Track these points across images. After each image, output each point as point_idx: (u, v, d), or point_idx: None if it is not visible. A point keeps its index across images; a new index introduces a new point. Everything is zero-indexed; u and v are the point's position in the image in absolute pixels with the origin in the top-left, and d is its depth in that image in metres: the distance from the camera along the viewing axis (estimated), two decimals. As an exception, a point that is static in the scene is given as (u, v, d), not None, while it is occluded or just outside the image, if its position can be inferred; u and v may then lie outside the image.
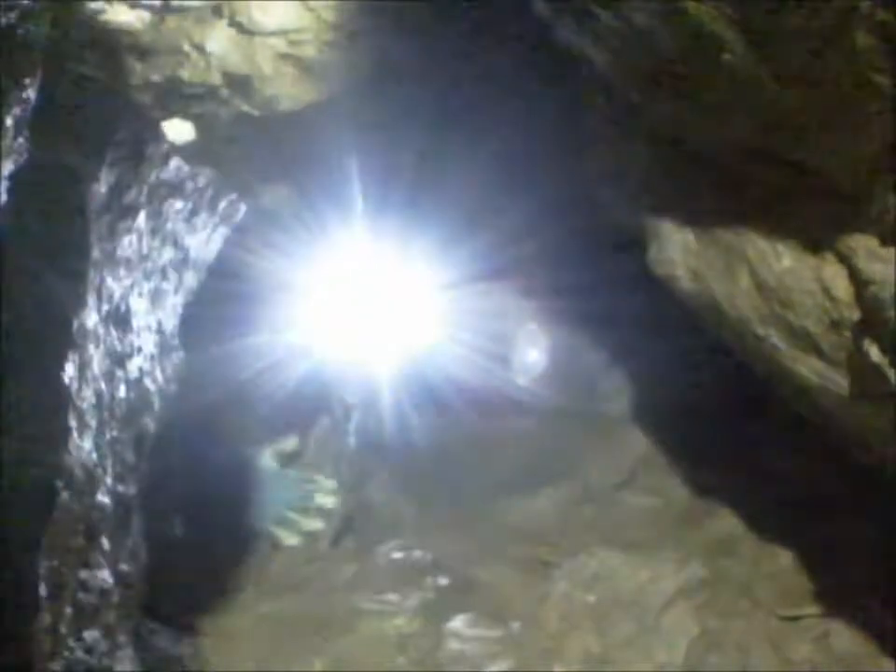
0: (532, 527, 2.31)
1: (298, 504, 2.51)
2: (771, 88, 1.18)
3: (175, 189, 2.00)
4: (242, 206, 2.67)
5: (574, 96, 1.94)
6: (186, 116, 2.59)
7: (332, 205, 2.66)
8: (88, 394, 1.51)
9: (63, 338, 1.43)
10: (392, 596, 2.08)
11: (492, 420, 3.08)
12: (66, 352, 1.42)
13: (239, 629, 2.05)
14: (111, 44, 2.16)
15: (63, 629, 1.39)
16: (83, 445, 1.49)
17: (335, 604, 2.10)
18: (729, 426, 2.21)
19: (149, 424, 1.87)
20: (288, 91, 2.94)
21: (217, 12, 2.74)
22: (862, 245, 1.29)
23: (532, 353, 2.98)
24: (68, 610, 1.41)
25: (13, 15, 1.17)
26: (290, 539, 2.44)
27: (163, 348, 2.00)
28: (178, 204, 1.97)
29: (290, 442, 2.63)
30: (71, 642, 1.43)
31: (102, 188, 1.51)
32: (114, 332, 1.68)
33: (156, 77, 3.03)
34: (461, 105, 2.29)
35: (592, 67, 1.51)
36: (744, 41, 1.14)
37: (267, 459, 2.59)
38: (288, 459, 2.63)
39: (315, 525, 2.48)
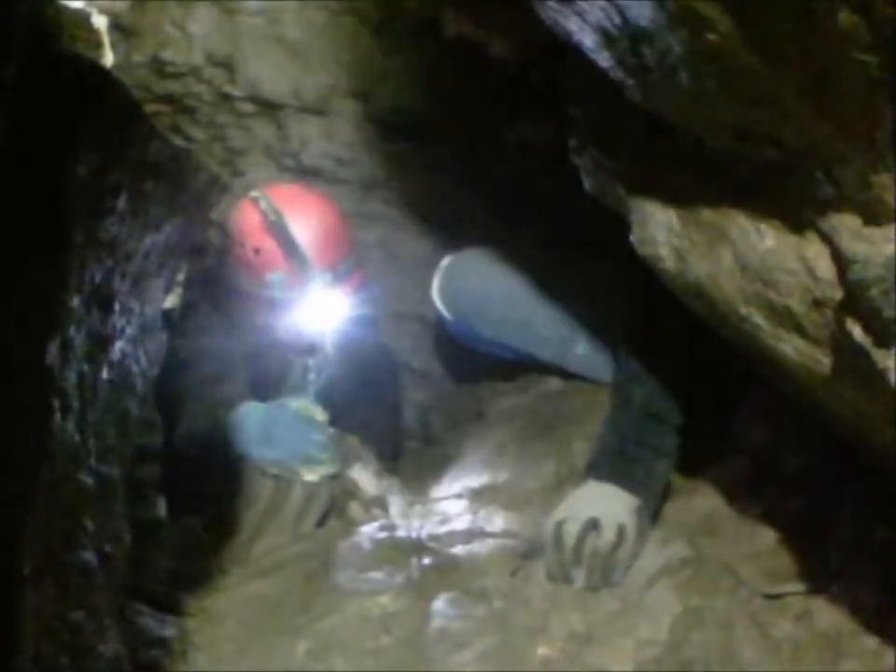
0: (517, 504, 2.32)
1: (325, 445, 2.57)
2: (755, 67, 1.18)
3: (157, 170, 1.99)
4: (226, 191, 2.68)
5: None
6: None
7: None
8: (70, 375, 1.51)
9: (45, 319, 1.42)
10: (376, 576, 2.09)
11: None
12: (49, 333, 1.42)
13: (223, 610, 2.05)
14: (93, 24, 2.15)
15: (48, 610, 1.40)
16: (65, 426, 1.49)
17: (319, 584, 2.11)
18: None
19: (132, 405, 1.87)
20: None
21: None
22: (846, 225, 1.29)
23: None
24: (52, 592, 1.41)
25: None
26: (309, 476, 2.51)
27: (146, 330, 2.00)
28: (160, 187, 1.96)
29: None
30: (56, 624, 1.43)
31: (82, 169, 1.50)
32: (96, 314, 1.67)
33: (138, 58, 3.02)
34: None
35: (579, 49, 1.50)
36: (729, 20, 1.14)
37: (296, 404, 2.65)
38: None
39: (334, 466, 2.55)
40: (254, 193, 2.77)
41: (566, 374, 2.81)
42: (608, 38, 1.37)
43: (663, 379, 2.09)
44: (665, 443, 2.07)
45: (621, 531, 1.93)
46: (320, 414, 2.63)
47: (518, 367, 2.96)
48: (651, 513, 2.03)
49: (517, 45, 2.05)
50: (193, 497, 2.58)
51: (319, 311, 2.77)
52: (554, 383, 2.88)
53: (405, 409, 3.46)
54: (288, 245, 2.67)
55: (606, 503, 1.98)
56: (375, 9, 2.99)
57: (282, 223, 2.68)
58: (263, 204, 2.71)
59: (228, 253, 2.83)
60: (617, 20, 1.29)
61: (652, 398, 2.08)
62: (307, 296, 2.73)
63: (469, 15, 2.06)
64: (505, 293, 2.79)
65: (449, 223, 3.29)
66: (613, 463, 2.04)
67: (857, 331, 1.26)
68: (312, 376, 2.82)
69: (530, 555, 2.03)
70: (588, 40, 1.43)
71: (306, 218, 2.74)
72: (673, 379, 2.09)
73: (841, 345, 1.33)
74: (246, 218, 2.76)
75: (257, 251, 2.72)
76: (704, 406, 2.15)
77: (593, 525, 1.94)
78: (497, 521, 2.23)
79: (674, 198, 1.59)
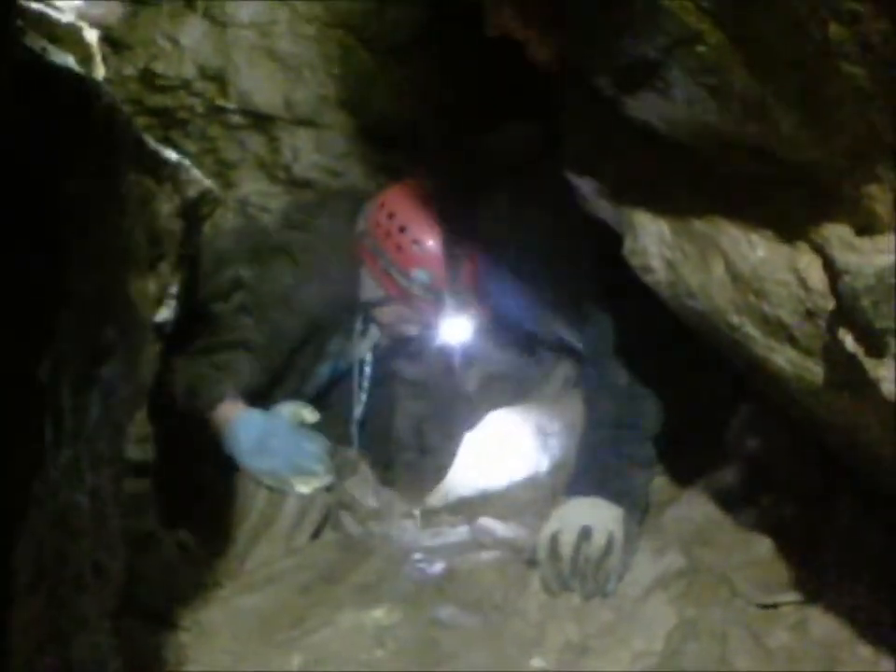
0: (512, 515, 2.32)
1: (319, 456, 2.55)
2: (746, 79, 1.19)
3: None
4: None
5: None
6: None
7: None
8: (63, 388, 1.51)
9: (39, 332, 1.42)
10: (371, 588, 2.09)
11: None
12: (42, 346, 1.41)
13: (217, 623, 2.04)
14: (84, 37, 2.14)
15: (41, 625, 1.39)
16: (58, 439, 1.48)
17: (314, 597, 2.11)
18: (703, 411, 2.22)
19: (125, 418, 1.86)
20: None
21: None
22: (837, 235, 1.30)
23: None
24: (45, 606, 1.40)
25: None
26: (303, 488, 2.49)
27: (141, 341, 1.99)
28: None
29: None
30: (49, 638, 1.42)
31: (74, 181, 1.50)
32: (90, 325, 1.67)
33: (129, 71, 3.02)
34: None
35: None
36: (718, 33, 1.14)
37: (288, 413, 2.62)
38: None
39: (328, 478, 2.53)
40: (431, 184, 2.72)
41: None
42: (603, 53, 1.38)
43: (634, 389, 2.09)
44: (641, 453, 2.09)
45: (610, 538, 1.94)
46: (310, 415, 2.62)
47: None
48: (637, 521, 2.04)
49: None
50: (187, 510, 2.58)
51: (446, 321, 2.73)
52: (548, 393, 2.88)
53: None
54: (454, 251, 2.62)
55: (594, 512, 1.99)
56: (366, 21, 2.99)
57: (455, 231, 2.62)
58: (441, 202, 2.65)
59: (373, 228, 2.71)
60: (612, 35, 1.30)
61: (625, 408, 2.09)
62: (442, 302, 2.67)
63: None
64: None
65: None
66: (593, 477, 2.06)
67: (848, 341, 1.26)
68: (366, 384, 2.87)
69: (530, 566, 2.03)
70: (586, 57, 1.44)
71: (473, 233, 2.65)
72: (645, 388, 2.09)
73: (833, 355, 1.33)
74: (422, 202, 2.66)
75: (416, 242, 2.64)
76: (695, 415, 2.16)
77: (586, 533, 1.95)
78: (492, 532, 2.23)
79: (665, 209, 1.60)
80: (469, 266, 2.64)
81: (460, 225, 2.62)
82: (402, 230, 2.64)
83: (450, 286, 2.64)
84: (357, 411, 2.89)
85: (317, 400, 2.81)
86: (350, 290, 2.78)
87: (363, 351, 2.88)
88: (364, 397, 2.91)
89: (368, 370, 2.90)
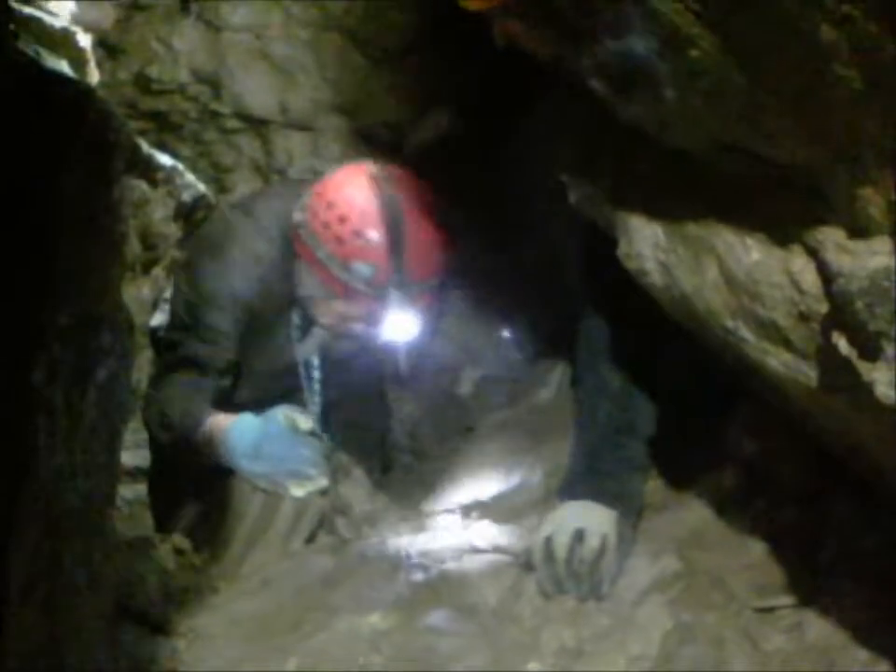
0: (507, 519, 2.31)
1: (314, 461, 2.51)
2: (738, 83, 1.19)
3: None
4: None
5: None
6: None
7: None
8: (57, 393, 1.50)
9: (32, 338, 1.42)
10: (366, 593, 2.08)
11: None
12: (35, 352, 1.41)
13: (213, 628, 2.04)
14: (78, 42, 2.14)
15: (35, 631, 1.39)
16: (52, 445, 1.48)
17: (309, 601, 2.10)
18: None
19: (119, 423, 1.86)
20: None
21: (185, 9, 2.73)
22: (830, 238, 1.30)
23: None
24: (39, 612, 1.40)
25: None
26: (298, 492, 2.46)
27: (135, 345, 1.99)
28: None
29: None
30: (43, 644, 1.42)
31: (68, 187, 1.50)
32: (83, 331, 1.67)
33: (124, 75, 3.02)
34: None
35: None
36: (712, 37, 1.14)
37: (283, 418, 2.53)
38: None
39: (323, 482, 2.49)
40: (374, 170, 2.52)
41: None
42: (597, 57, 1.38)
43: (627, 391, 2.09)
44: (635, 455, 2.08)
45: (604, 540, 1.94)
46: (304, 423, 2.55)
47: None
48: (632, 524, 2.04)
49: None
50: (182, 514, 2.57)
51: (388, 319, 2.52)
52: (544, 396, 2.88)
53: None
54: (397, 241, 2.42)
55: (588, 515, 1.99)
56: (361, 25, 3.00)
57: (399, 216, 2.43)
58: (385, 189, 2.46)
59: (309, 218, 2.51)
60: (607, 39, 1.30)
61: (617, 411, 2.08)
62: (383, 299, 2.48)
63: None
64: None
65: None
66: (587, 480, 2.05)
67: (842, 344, 1.26)
68: (316, 387, 2.76)
69: (525, 570, 2.03)
70: (581, 60, 1.43)
71: (421, 214, 2.48)
72: (638, 390, 2.09)
73: (827, 358, 1.33)
74: (359, 194, 2.47)
75: (357, 233, 2.44)
76: (691, 417, 2.16)
77: (580, 536, 1.95)
78: (487, 536, 2.23)
79: (660, 212, 1.60)
80: (416, 259, 2.46)
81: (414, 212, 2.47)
82: (342, 220, 2.44)
83: (394, 280, 2.45)
84: (313, 410, 2.75)
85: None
86: (285, 280, 2.61)
87: (308, 352, 2.73)
88: (318, 399, 2.77)
89: (316, 373, 2.75)
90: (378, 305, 2.49)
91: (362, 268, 2.43)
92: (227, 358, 2.60)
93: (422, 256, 2.47)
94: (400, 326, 2.55)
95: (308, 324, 2.69)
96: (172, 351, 2.61)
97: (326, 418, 2.78)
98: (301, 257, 2.55)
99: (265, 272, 2.59)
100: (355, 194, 2.47)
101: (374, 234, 2.43)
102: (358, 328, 2.61)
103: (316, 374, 2.76)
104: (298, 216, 2.54)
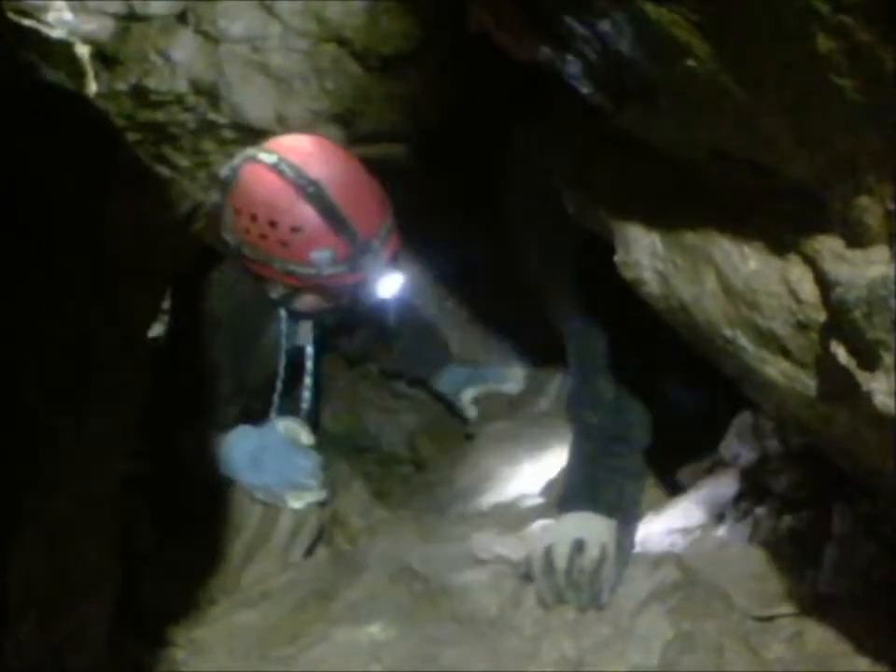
0: (507, 529, 2.31)
1: (313, 472, 2.52)
2: (734, 92, 1.19)
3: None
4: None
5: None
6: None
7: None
8: (55, 405, 1.50)
9: (29, 350, 1.42)
10: (366, 604, 2.08)
11: None
12: (32, 363, 1.41)
13: (212, 640, 2.04)
14: (76, 53, 2.15)
15: (34, 642, 1.38)
16: (51, 456, 1.48)
17: (309, 613, 2.10)
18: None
19: (118, 434, 1.86)
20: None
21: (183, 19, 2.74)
22: (828, 247, 1.30)
23: None
24: (38, 623, 1.40)
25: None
26: (296, 503, 2.47)
27: (134, 355, 1.99)
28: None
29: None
30: (42, 656, 1.42)
31: (64, 198, 1.50)
32: (83, 339, 1.67)
33: (121, 86, 3.03)
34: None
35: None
36: (707, 46, 1.15)
37: (283, 428, 2.58)
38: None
39: (321, 493, 2.51)
40: (267, 158, 2.44)
41: None
42: (589, 64, 1.38)
43: (621, 399, 2.09)
44: (631, 464, 2.09)
45: (603, 550, 1.95)
46: (306, 437, 2.57)
47: None
48: (630, 533, 2.05)
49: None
50: (181, 526, 2.57)
51: (372, 281, 2.53)
52: (543, 405, 2.88)
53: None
54: (333, 214, 2.36)
55: (587, 525, 1.99)
56: (359, 36, 3.00)
57: (321, 191, 2.36)
58: (290, 172, 2.38)
59: (243, 237, 2.47)
60: (599, 47, 1.30)
61: (611, 421, 2.09)
62: (357, 267, 2.44)
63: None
64: None
65: (438, 246, 3.30)
66: (584, 491, 2.06)
67: (841, 353, 1.26)
68: (307, 394, 2.76)
69: (525, 580, 2.03)
70: (571, 67, 1.44)
71: (340, 178, 2.42)
72: (633, 398, 2.09)
73: (825, 367, 1.33)
74: (272, 191, 2.40)
75: (295, 229, 2.38)
76: (689, 425, 2.16)
77: (579, 546, 1.95)
78: (486, 547, 2.22)
79: (657, 221, 1.60)
80: (361, 216, 2.41)
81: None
82: (273, 224, 2.38)
83: (356, 247, 2.40)
84: (306, 395, 2.77)
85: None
86: (255, 292, 2.61)
87: (303, 338, 2.72)
88: (309, 381, 2.77)
89: (309, 364, 2.75)
90: (354, 276, 2.47)
91: (321, 255, 2.39)
92: (228, 379, 2.65)
93: (364, 210, 2.43)
94: (385, 280, 2.58)
95: (294, 319, 2.70)
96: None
97: (316, 417, 2.84)
98: (261, 275, 2.53)
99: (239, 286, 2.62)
100: (267, 194, 2.40)
101: (310, 219, 2.37)
102: (344, 300, 2.61)
103: (309, 365, 2.76)
104: (233, 241, 2.51)
